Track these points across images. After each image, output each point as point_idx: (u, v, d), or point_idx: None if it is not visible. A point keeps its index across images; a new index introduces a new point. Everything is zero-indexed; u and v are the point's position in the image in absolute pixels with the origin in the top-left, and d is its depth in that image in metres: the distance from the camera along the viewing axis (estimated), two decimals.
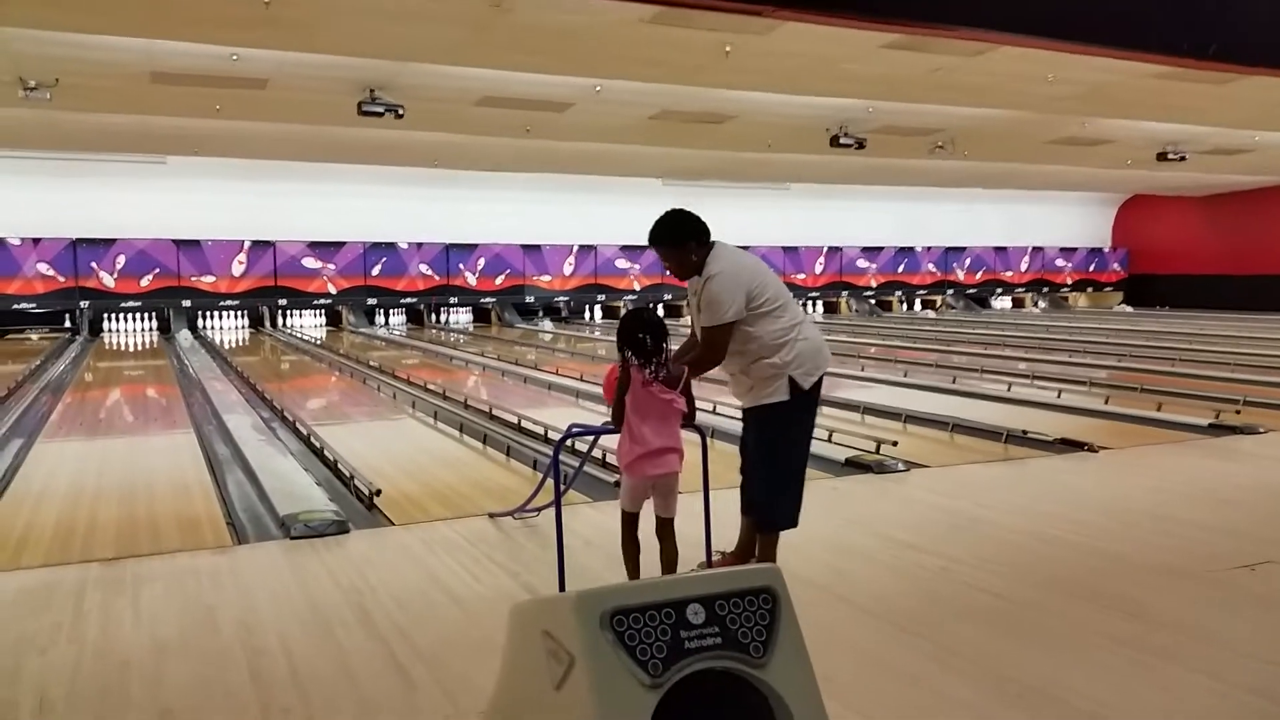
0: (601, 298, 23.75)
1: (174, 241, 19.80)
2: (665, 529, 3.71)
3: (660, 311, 23.64)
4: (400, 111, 12.40)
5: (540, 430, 7.37)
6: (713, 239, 3.90)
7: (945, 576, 4.09)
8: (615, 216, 23.18)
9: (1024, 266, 28.34)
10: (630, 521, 3.74)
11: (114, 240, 19.31)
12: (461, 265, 22.37)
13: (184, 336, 18.50)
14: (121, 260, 19.41)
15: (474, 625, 3.58)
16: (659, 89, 12.50)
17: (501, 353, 14.88)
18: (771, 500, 3.88)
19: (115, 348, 17.31)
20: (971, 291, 27.73)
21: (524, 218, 22.47)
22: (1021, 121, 15.08)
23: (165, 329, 19.45)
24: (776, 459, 3.87)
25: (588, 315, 23.72)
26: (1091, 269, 28.94)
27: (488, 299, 22.68)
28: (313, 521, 4.82)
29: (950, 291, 27.49)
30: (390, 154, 17.01)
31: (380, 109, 12.30)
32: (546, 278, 23.23)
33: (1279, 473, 6.16)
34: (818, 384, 3.85)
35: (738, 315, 3.72)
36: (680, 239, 3.88)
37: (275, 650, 3.34)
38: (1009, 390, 9.68)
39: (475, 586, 4.02)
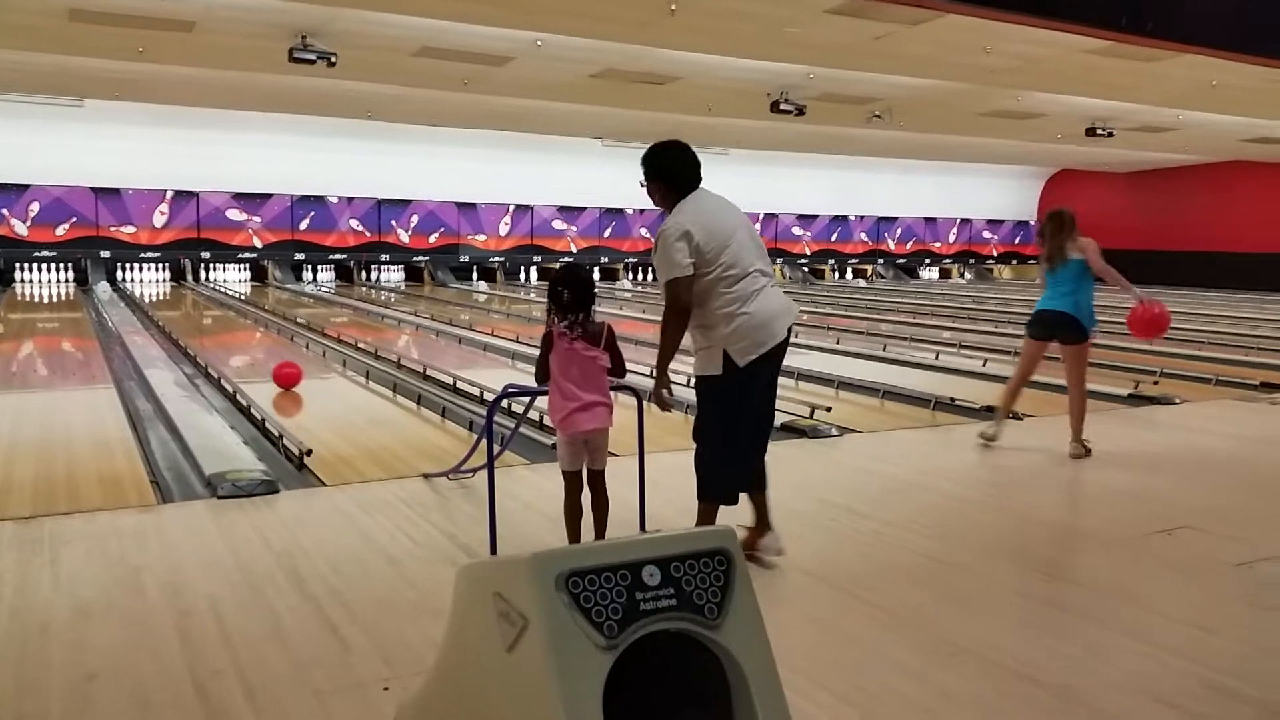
0: (538, 259, 23.55)
1: (92, 189, 19.03)
2: (596, 480, 3.76)
3: (595, 274, 23.60)
4: (333, 60, 12.02)
5: (476, 391, 7.28)
6: (699, 187, 3.77)
7: (880, 539, 4.15)
8: (553, 176, 22.95)
9: (952, 238, 28.85)
10: (573, 482, 3.73)
11: (27, 186, 18.49)
12: (394, 222, 21.96)
13: (102, 289, 17.86)
14: (35, 207, 18.62)
15: (410, 586, 3.53)
16: (602, 46, 12.32)
17: (435, 312, 14.66)
18: (708, 473, 3.75)
19: (28, 299, 16.63)
20: (901, 261, 28.17)
21: (460, 175, 22.08)
22: (957, 93, 15.25)
23: (83, 280, 18.75)
24: (712, 433, 3.73)
25: (523, 276, 23.50)
26: (1017, 241, 29.60)
27: (420, 257, 22.31)
28: (241, 481, 4.70)
29: (881, 261, 27.88)
30: (322, 104, 16.51)
31: (312, 56, 11.90)
32: (482, 237, 22.94)
33: (1194, 442, 6.39)
34: (763, 360, 3.63)
35: (684, 271, 3.57)
36: (650, 175, 3.78)
37: (204, 612, 3.25)
38: (937, 359, 9.87)
39: (410, 547, 3.96)
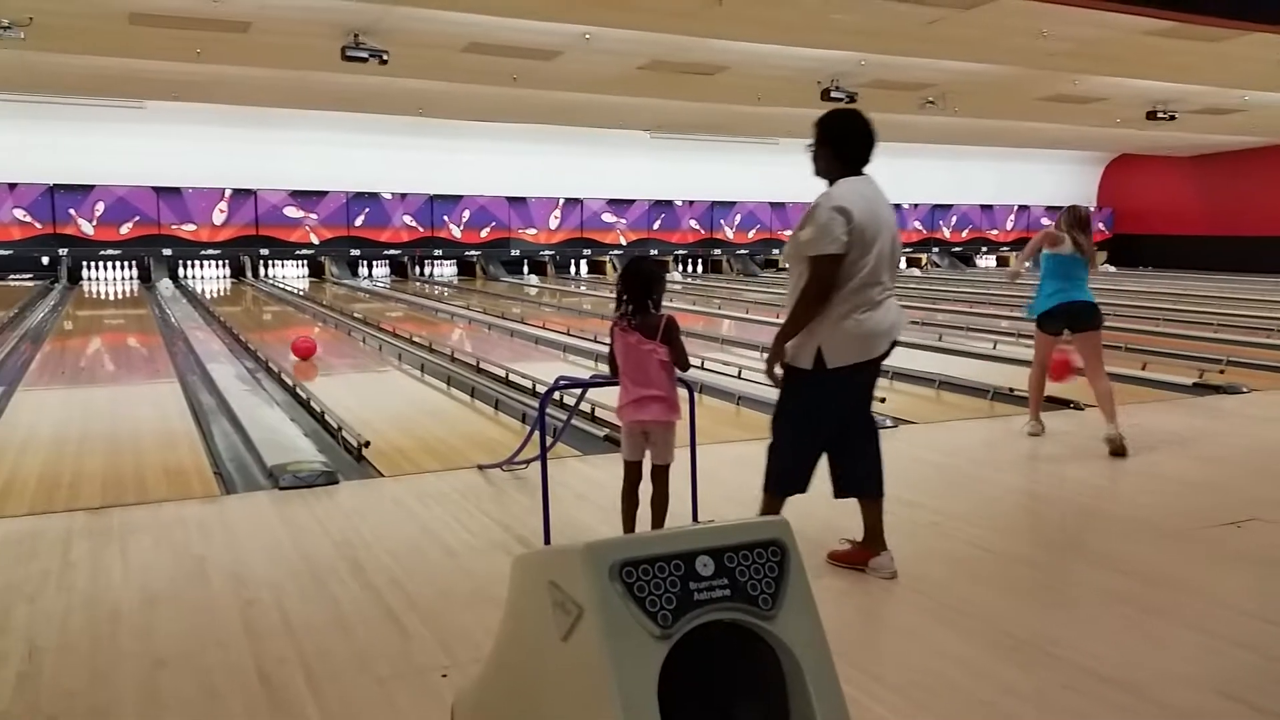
0: (588, 252, 23.60)
1: (154, 189, 19.50)
2: (656, 474, 3.72)
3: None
4: (385, 57, 12.17)
5: (528, 384, 7.34)
6: (865, 173, 3.50)
7: (938, 531, 4.11)
8: (602, 170, 22.99)
9: (1009, 225, 28.34)
10: (630, 471, 3.74)
11: (92, 187, 19.00)
12: (446, 217, 22.16)
13: (165, 285, 18.30)
14: (100, 207, 19.12)
15: (467, 576, 3.58)
16: (649, 38, 12.31)
17: (487, 306, 14.79)
18: (775, 464, 3.61)
19: (95, 296, 17.10)
20: (957, 250, 27.73)
21: (510, 170, 22.21)
22: (1013, 77, 14.98)
23: (146, 278, 19.23)
24: (787, 425, 3.58)
25: (573, 270, 23.58)
26: None
27: (472, 252, 22.49)
28: (302, 472, 4.79)
29: (936, 249, 27.48)
30: (374, 101, 16.73)
31: (364, 54, 12.07)
32: (532, 231, 23.05)
33: (1262, 431, 6.22)
34: (855, 369, 3.44)
35: (838, 248, 3.31)
36: (821, 138, 3.51)
37: (267, 601, 3.33)
38: (994, 348, 9.71)
39: (467, 538, 4.01)
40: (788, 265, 3.61)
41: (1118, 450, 5.43)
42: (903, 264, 26.59)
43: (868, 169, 3.53)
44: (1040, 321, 5.92)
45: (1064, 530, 4.27)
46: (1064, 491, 4.84)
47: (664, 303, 3.72)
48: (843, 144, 3.50)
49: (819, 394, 3.48)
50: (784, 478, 3.61)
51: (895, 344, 3.54)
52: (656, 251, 23.86)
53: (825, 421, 3.55)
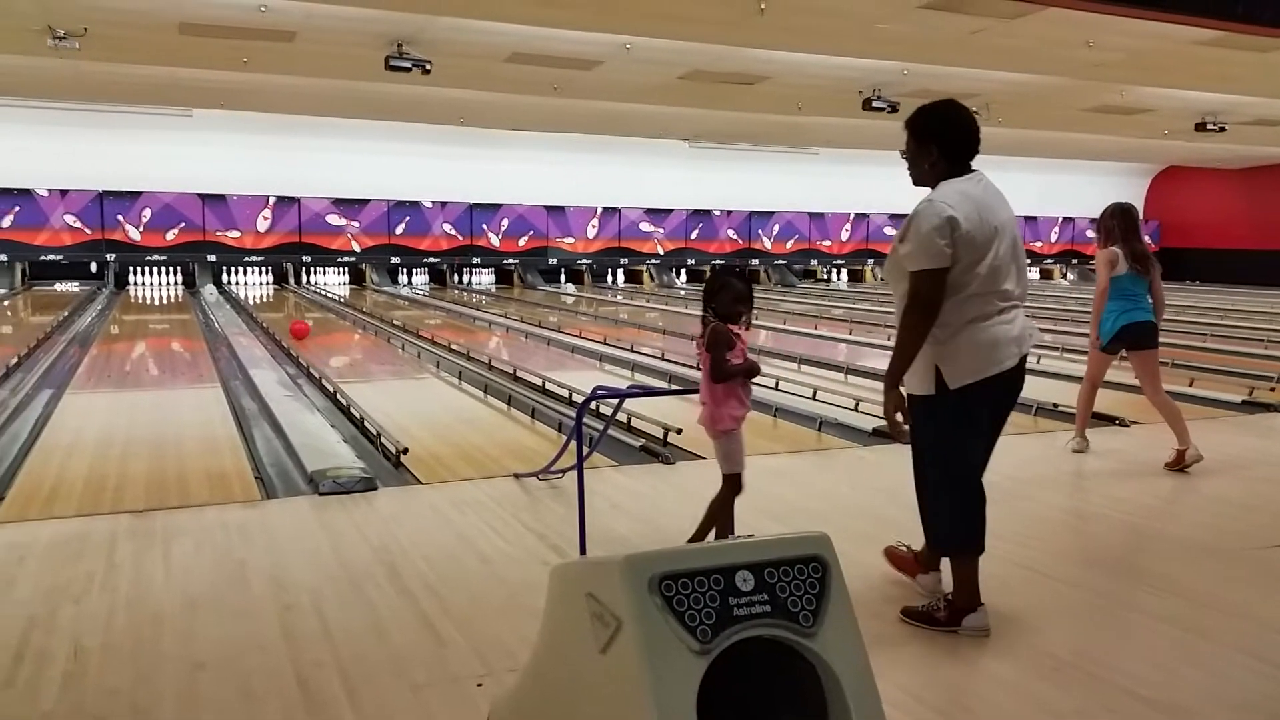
0: (624, 261, 23.63)
1: (199, 195, 19.82)
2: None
3: (682, 276, 23.53)
4: (428, 67, 12.28)
5: (565, 393, 7.35)
6: (973, 168, 3.17)
7: None
8: (640, 179, 23.02)
9: (1054, 237, 27.98)
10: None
11: (140, 193, 19.35)
12: (485, 226, 22.29)
13: (209, 291, 18.59)
14: (147, 213, 19.46)
15: (502, 585, 3.58)
16: (690, 47, 12.31)
17: (524, 315, 14.85)
18: (946, 522, 3.21)
19: (141, 301, 17.41)
20: None
21: (548, 179, 22.30)
22: (1059, 88, 14.79)
23: (190, 283, 19.54)
24: (937, 468, 3.18)
25: (610, 279, 23.63)
26: None
27: (510, 260, 22.60)
28: (341, 478, 4.83)
29: None
30: (416, 110, 16.89)
31: (408, 64, 12.18)
32: (570, 240, 23.12)
33: None
34: (981, 387, 3.06)
35: (940, 262, 2.96)
36: (922, 135, 3.15)
37: (306, 606, 3.35)
38: (1038, 363, 9.56)
39: (503, 546, 4.02)
40: (886, 281, 3.33)
41: (1183, 466, 5.33)
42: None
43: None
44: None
45: (1109, 549, 4.18)
46: (1108, 509, 4.75)
47: (699, 313, 3.71)
48: (948, 136, 3.14)
49: (952, 418, 3.07)
50: (947, 528, 3.20)
51: (1024, 361, 3.18)
52: (694, 261, 23.84)
53: (975, 449, 3.15)
